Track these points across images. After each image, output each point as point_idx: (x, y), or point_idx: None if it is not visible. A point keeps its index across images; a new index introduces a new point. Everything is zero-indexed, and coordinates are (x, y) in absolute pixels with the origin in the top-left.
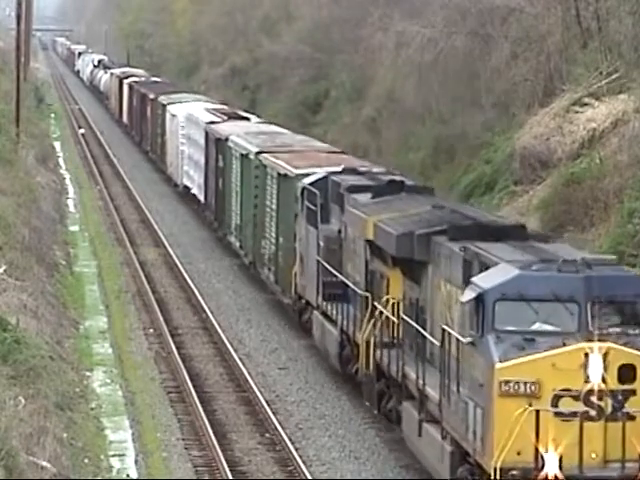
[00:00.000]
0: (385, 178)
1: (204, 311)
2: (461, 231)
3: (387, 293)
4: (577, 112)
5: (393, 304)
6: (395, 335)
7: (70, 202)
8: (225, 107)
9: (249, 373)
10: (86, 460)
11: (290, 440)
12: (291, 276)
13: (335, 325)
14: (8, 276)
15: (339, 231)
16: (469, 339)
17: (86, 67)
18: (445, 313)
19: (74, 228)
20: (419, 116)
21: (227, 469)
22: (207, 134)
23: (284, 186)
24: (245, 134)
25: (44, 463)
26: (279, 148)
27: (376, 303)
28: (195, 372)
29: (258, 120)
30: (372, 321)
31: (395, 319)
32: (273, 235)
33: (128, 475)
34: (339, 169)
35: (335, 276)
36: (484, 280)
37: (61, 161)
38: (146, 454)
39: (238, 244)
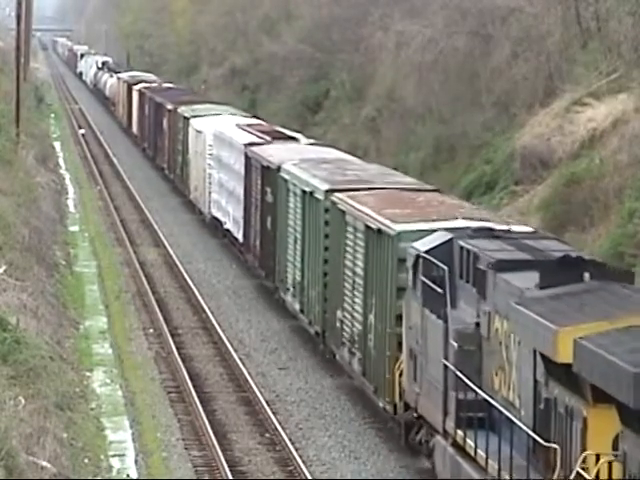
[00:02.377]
0: (539, 245)
1: (204, 311)
2: None
3: (583, 443)
4: (577, 112)
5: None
6: None
7: (70, 202)
8: (259, 122)
9: (249, 373)
10: (86, 460)
11: (290, 440)
12: (391, 373)
13: (483, 473)
14: (8, 276)
15: (477, 324)
16: None
17: (89, 69)
18: None
19: (74, 228)
20: (419, 116)
21: (227, 469)
22: (248, 159)
23: (377, 245)
24: (302, 162)
25: (44, 463)
26: (356, 185)
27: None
28: (195, 372)
29: (308, 141)
30: None
31: None
32: (358, 309)
33: (128, 475)
34: (463, 225)
35: (476, 392)
36: None
37: (61, 161)
38: (146, 454)
39: (298, 307)
